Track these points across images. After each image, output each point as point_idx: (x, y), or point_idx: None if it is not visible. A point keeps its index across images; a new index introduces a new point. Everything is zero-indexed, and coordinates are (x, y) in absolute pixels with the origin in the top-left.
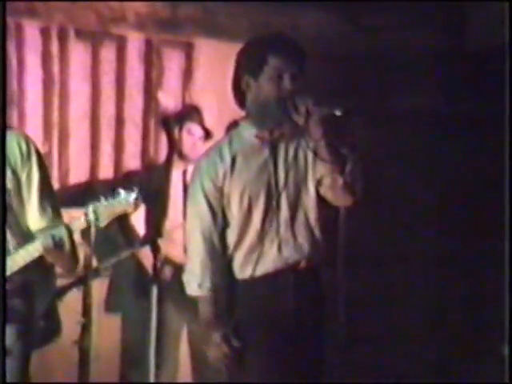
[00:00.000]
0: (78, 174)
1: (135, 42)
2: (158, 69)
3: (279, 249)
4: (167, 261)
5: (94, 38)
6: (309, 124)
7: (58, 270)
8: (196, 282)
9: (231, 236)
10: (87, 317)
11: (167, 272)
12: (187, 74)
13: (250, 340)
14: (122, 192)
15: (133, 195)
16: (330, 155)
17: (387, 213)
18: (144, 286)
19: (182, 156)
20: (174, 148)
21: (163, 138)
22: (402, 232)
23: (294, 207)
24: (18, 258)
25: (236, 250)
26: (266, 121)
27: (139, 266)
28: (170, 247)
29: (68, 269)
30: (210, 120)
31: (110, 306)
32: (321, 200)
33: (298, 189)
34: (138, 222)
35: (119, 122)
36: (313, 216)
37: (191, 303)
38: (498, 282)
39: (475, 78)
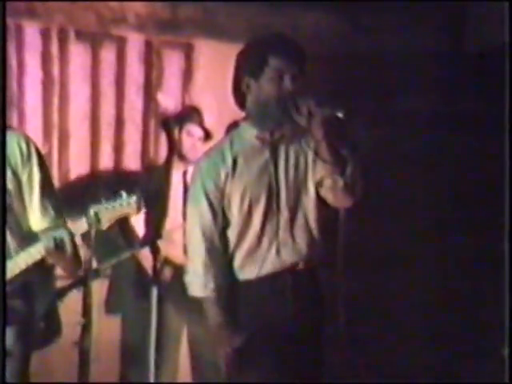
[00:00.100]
0: (77, 175)
1: (135, 43)
2: (158, 70)
3: (278, 251)
4: (167, 262)
5: (93, 39)
6: (310, 125)
7: (59, 271)
8: (200, 282)
9: (231, 237)
10: (87, 317)
11: (167, 273)
12: (187, 75)
13: (249, 341)
14: (124, 194)
15: (134, 197)
16: (330, 156)
17: (387, 213)
18: (144, 286)
19: (181, 157)
20: (174, 149)
21: (163, 139)
22: (402, 232)
23: (294, 209)
24: (20, 260)
25: (235, 251)
26: (266, 122)
27: (139, 266)
28: (170, 248)
29: (70, 271)
30: (209, 121)
31: (110, 306)
32: (320, 201)
33: (298, 190)
34: (138, 223)
35: (119, 122)
36: (312, 217)
37: (191, 304)
38: (498, 282)
39: (475, 78)
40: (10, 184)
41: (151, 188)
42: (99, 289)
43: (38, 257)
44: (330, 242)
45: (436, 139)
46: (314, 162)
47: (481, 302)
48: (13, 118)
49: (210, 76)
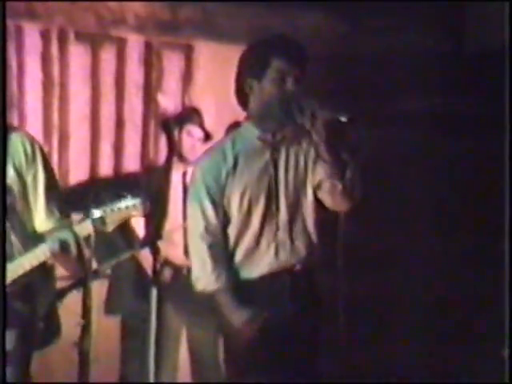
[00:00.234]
0: (77, 176)
1: (135, 44)
2: (158, 71)
3: (276, 252)
4: (167, 262)
5: (93, 40)
6: (313, 127)
7: (59, 272)
8: (210, 276)
9: (230, 236)
10: (87, 318)
11: (167, 274)
12: (187, 76)
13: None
14: (129, 196)
15: (139, 199)
16: (330, 159)
17: (387, 213)
18: (144, 287)
19: (181, 158)
20: (174, 150)
21: (163, 140)
22: (402, 232)
23: (293, 210)
24: (25, 262)
25: (234, 250)
26: (268, 122)
27: (139, 267)
28: (170, 249)
29: (74, 272)
30: (209, 122)
31: (109, 307)
32: (319, 204)
33: (298, 192)
34: (138, 223)
35: (119, 123)
36: (311, 220)
37: (191, 304)
38: (498, 282)
39: (475, 79)
40: (15, 185)
41: (151, 189)
42: (99, 289)
43: (42, 258)
44: (330, 242)
45: (436, 139)
46: (314, 164)
47: (481, 302)
48: (13, 119)
49: (209, 77)
